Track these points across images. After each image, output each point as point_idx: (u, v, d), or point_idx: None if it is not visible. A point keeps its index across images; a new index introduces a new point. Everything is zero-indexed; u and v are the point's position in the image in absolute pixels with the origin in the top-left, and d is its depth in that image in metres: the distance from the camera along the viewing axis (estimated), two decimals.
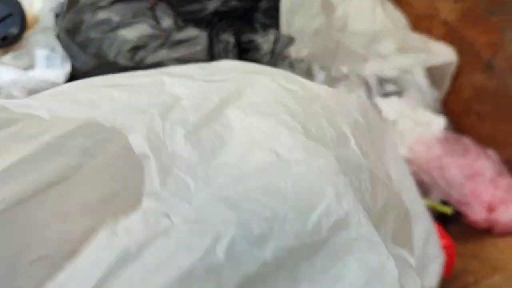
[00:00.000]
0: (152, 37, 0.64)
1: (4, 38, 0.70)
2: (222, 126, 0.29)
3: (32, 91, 0.66)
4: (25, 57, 0.70)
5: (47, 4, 0.73)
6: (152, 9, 0.67)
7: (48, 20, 0.73)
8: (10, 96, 0.66)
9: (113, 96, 0.31)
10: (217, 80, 0.34)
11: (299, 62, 0.56)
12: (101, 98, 0.31)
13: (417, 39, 0.74)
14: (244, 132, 0.29)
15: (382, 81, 0.73)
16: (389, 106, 0.71)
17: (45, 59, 0.68)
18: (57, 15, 0.74)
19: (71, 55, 0.69)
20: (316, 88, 0.36)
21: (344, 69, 0.64)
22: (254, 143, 0.28)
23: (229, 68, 0.38)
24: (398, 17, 0.78)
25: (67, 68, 0.70)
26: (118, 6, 0.68)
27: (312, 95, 0.34)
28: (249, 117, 0.30)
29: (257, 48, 0.57)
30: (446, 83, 0.73)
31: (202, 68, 0.39)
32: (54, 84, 0.72)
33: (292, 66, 0.56)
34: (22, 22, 0.71)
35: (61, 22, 0.73)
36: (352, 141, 0.31)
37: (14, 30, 0.70)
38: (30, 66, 0.69)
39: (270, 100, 0.32)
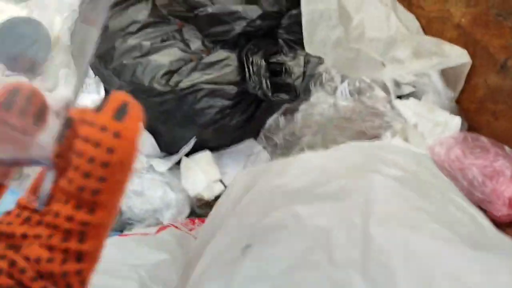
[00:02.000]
0: (184, 60, 0.67)
1: (33, 62, 0.73)
2: (378, 252, 0.30)
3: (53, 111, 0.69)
4: (51, 79, 0.74)
5: (66, 23, 0.76)
6: (180, 31, 0.71)
7: (66, 39, 0.76)
8: None
9: None
10: (338, 193, 0.37)
11: (329, 81, 0.60)
12: None
13: (431, 42, 0.77)
14: (404, 255, 0.30)
15: (400, 84, 0.77)
16: (408, 108, 0.75)
17: (65, 78, 0.72)
18: (71, 34, 0.77)
19: (105, 81, 0.72)
20: (415, 159, 0.41)
21: (367, 79, 0.67)
22: (425, 270, 0.29)
23: (330, 173, 0.40)
24: (412, 21, 0.81)
25: (102, 93, 0.73)
26: (147, 31, 0.71)
27: (419, 174, 0.38)
28: (397, 234, 0.32)
29: (289, 72, 0.60)
30: (461, 84, 0.76)
31: (315, 181, 0.40)
32: (67, 99, 0.75)
33: (322, 85, 0.60)
34: (47, 45, 0.74)
35: (75, 41, 0.75)
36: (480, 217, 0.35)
37: (41, 54, 0.73)
38: (55, 87, 0.73)
39: (400, 205, 0.35)
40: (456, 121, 0.75)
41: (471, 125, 0.76)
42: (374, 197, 0.37)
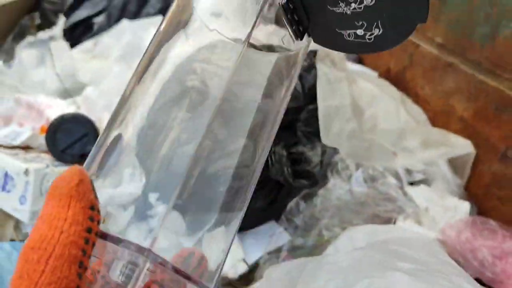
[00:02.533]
0: (210, 149, 0.75)
1: (82, 155, 0.81)
2: None
3: (122, 205, 0.77)
4: (117, 177, 0.81)
5: (135, 130, 0.85)
6: (210, 124, 0.79)
7: (133, 142, 0.85)
8: (107, 214, 0.77)
9: None
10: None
11: (344, 169, 0.67)
12: None
13: (438, 133, 0.85)
14: None
15: (411, 172, 0.83)
16: (419, 194, 0.80)
17: (129, 176, 0.79)
18: (138, 138, 0.86)
19: (146, 169, 0.80)
20: (425, 248, 0.48)
21: (380, 167, 0.73)
22: None
23: (355, 275, 0.48)
24: (419, 114, 0.89)
25: (143, 181, 0.81)
26: (184, 125, 0.79)
27: (429, 263, 0.46)
28: None
29: (307, 161, 0.67)
30: (467, 171, 0.82)
31: (344, 283, 0.48)
32: (133, 195, 0.82)
33: (338, 173, 0.66)
34: (96, 140, 0.82)
35: (140, 143, 0.84)
36: None
37: (90, 148, 0.82)
38: (120, 184, 0.80)
39: None
40: (465, 206, 0.79)
41: (480, 210, 0.81)
42: None
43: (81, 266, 0.21)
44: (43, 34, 0.99)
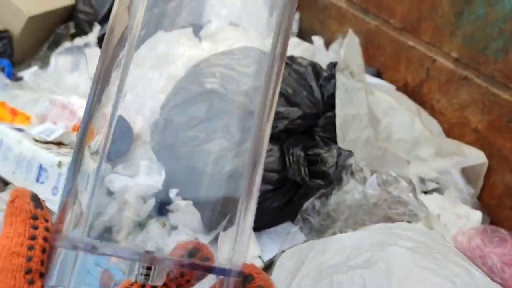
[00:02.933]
0: (230, 150, 0.79)
1: (117, 152, 0.86)
2: None
3: (139, 195, 0.81)
4: (131, 167, 0.86)
5: (146, 123, 0.90)
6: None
7: (146, 136, 0.90)
8: (124, 201, 0.81)
9: None
10: (366, 263, 0.50)
11: (358, 171, 0.70)
12: None
13: (452, 144, 0.87)
14: None
15: (424, 180, 0.86)
16: (432, 202, 0.82)
17: (146, 168, 0.84)
18: (152, 132, 0.91)
19: (166, 165, 0.84)
20: (425, 234, 0.53)
21: (393, 173, 0.76)
22: None
23: (359, 249, 0.53)
24: (434, 126, 0.92)
25: (163, 175, 0.85)
26: (204, 125, 0.84)
27: (428, 244, 0.51)
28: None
29: (323, 161, 0.71)
30: (480, 182, 0.84)
31: (348, 256, 0.53)
32: (154, 188, 0.87)
33: (353, 174, 0.69)
34: (130, 139, 0.87)
35: (156, 138, 0.89)
36: None
37: (124, 146, 0.87)
38: (135, 174, 0.85)
39: (412, 267, 0.47)
40: (477, 215, 0.82)
41: (492, 220, 0.83)
42: (393, 263, 0.48)
43: (28, 272, 0.22)
44: (79, 41, 1.06)
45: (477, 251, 0.75)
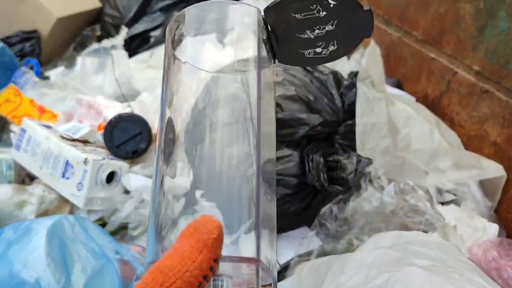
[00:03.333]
0: (250, 154, 0.81)
1: (135, 152, 0.89)
2: None
3: (175, 196, 0.83)
4: (150, 167, 0.88)
5: (183, 125, 0.92)
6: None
7: (182, 137, 0.92)
8: (141, 200, 0.83)
9: None
10: (385, 285, 0.50)
11: (377, 178, 0.71)
12: None
13: (471, 156, 0.88)
14: None
15: (441, 191, 0.86)
16: (449, 213, 0.83)
17: (180, 169, 0.86)
18: (185, 133, 0.93)
19: (194, 168, 0.86)
20: (442, 248, 0.54)
21: (411, 182, 0.77)
22: None
23: (376, 270, 0.54)
24: (453, 138, 0.93)
25: (191, 176, 0.87)
26: (227, 129, 0.86)
27: (445, 261, 0.52)
28: None
29: (343, 168, 0.72)
30: (498, 195, 0.84)
31: (366, 277, 0.54)
32: (183, 188, 0.89)
33: (371, 182, 0.70)
34: (149, 138, 0.90)
35: (188, 140, 0.91)
36: None
37: (142, 145, 0.89)
38: (175, 175, 0.87)
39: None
40: (494, 228, 0.82)
41: (509, 233, 0.83)
42: (411, 284, 0.49)
43: None
44: (106, 43, 1.09)
45: (493, 263, 0.75)
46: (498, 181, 0.84)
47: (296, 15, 0.42)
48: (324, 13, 0.42)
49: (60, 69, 1.22)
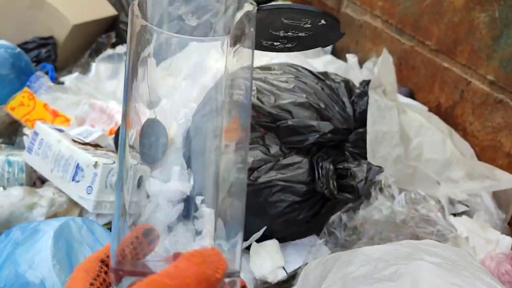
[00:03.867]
0: (264, 161, 0.80)
1: (153, 157, 0.89)
2: None
3: (169, 199, 0.83)
4: (165, 172, 0.89)
5: (179, 129, 0.93)
6: (263, 138, 0.85)
7: (179, 142, 0.92)
8: (157, 205, 0.84)
9: None
10: (392, 276, 0.50)
11: (387, 187, 0.70)
12: None
13: (484, 167, 0.86)
14: None
15: (453, 202, 0.85)
16: (461, 225, 0.81)
17: (177, 174, 0.86)
18: (184, 139, 0.94)
19: (196, 172, 0.86)
20: (453, 251, 0.53)
21: (422, 192, 0.76)
22: None
23: (385, 262, 0.53)
24: (466, 148, 0.91)
25: (192, 182, 0.87)
26: (228, 135, 0.85)
27: (455, 261, 0.50)
28: None
29: (353, 176, 0.71)
30: None
31: (375, 268, 0.53)
32: (183, 194, 0.89)
33: (382, 190, 0.70)
34: (165, 144, 0.90)
35: (187, 145, 0.91)
36: None
37: (160, 150, 0.89)
38: (168, 179, 0.87)
39: (439, 283, 0.47)
40: (507, 241, 0.80)
41: None
42: (419, 278, 0.48)
43: None
44: (121, 48, 1.10)
45: (506, 276, 0.73)
46: None
47: (284, 20, 0.44)
48: (309, 25, 0.45)
49: (75, 75, 1.24)
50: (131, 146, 0.43)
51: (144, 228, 0.30)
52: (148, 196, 0.84)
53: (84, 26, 1.54)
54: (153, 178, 0.91)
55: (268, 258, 0.76)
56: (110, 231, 0.79)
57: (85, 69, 1.40)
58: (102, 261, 0.28)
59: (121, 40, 1.55)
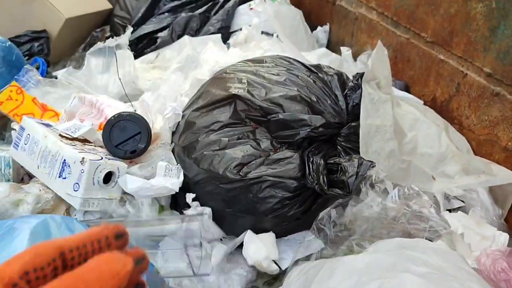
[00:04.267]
0: (254, 156, 0.79)
1: (133, 152, 0.87)
2: None
3: (153, 196, 0.82)
4: (148, 168, 0.87)
5: (166, 124, 0.90)
6: (253, 132, 0.83)
7: (166, 137, 0.90)
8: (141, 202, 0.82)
9: None
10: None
11: (379, 182, 0.68)
12: None
13: (480, 161, 0.84)
14: None
15: (449, 198, 0.83)
16: (457, 221, 0.79)
17: (164, 170, 0.84)
18: (173, 133, 0.92)
19: (185, 167, 0.84)
20: (443, 256, 0.51)
21: (416, 187, 0.74)
22: None
23: (368, 276, 0.51)
24: (462, 142, 0.89)
25: (181, 178, 0.85)
26: (227, 129, 0.83)
27: (445, 269, 0.48)
28: None
29: (343, 171, 0.69)
30: (509, 202, 0.81)
31: (357, 283, 0.51)
32: (170, 190, 0.87)
33: (372, 186, 0.68)
34: (148, 139, 0.88)
35: (177, 140, 0.89)
36: None
37: (141, 145, 0.87)
38: (152, 175, 0.85)
39: None
40: (503, 237, 0.78)
41: None
42: None
43: None
44: (111, 42, 1.08)
45: (502, 274, 0.71)
46: (509, 188, 0.80)
47: None
48: None
49: (66, 69, 1.22)
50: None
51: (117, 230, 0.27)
52: (123, 192, 0.81)
53: (78, 19, 1.52)
54: (130, 174, 0.88)
55: (263, 247, 0.74)
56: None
57: (80, 64, 1.38)
58: (62, 254, 0.24)
59: (115, 34, 1.53)
